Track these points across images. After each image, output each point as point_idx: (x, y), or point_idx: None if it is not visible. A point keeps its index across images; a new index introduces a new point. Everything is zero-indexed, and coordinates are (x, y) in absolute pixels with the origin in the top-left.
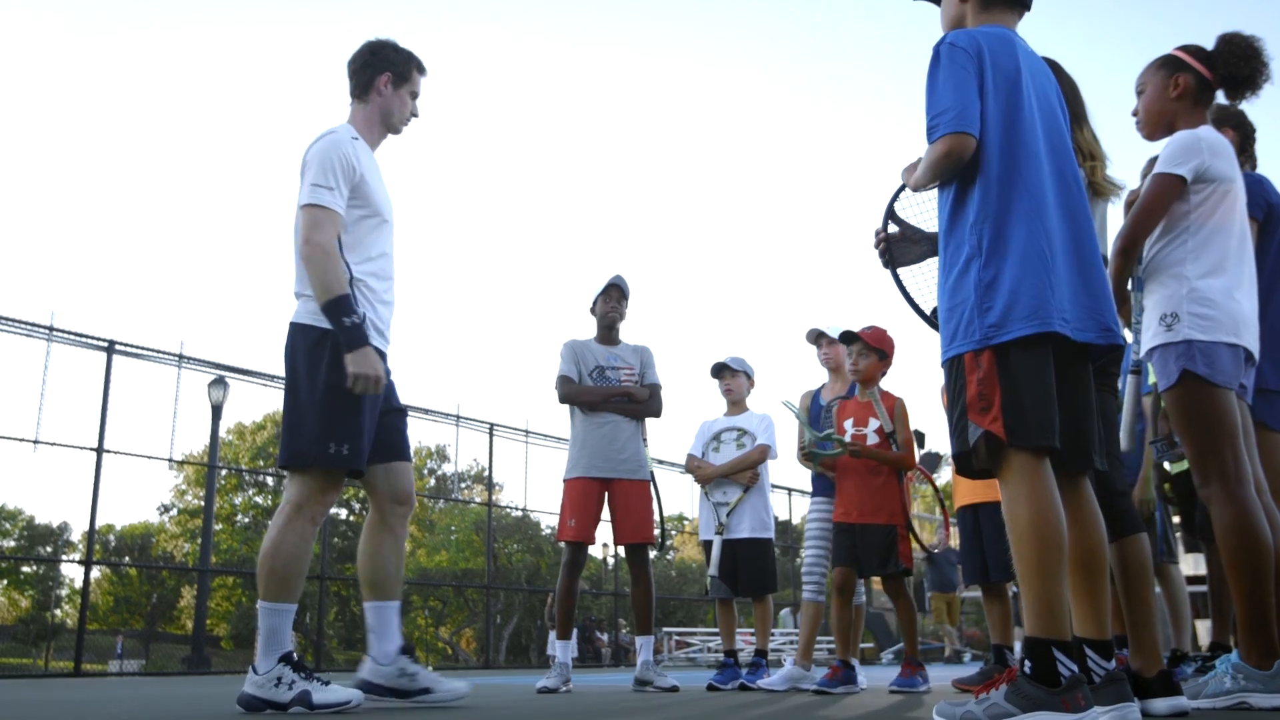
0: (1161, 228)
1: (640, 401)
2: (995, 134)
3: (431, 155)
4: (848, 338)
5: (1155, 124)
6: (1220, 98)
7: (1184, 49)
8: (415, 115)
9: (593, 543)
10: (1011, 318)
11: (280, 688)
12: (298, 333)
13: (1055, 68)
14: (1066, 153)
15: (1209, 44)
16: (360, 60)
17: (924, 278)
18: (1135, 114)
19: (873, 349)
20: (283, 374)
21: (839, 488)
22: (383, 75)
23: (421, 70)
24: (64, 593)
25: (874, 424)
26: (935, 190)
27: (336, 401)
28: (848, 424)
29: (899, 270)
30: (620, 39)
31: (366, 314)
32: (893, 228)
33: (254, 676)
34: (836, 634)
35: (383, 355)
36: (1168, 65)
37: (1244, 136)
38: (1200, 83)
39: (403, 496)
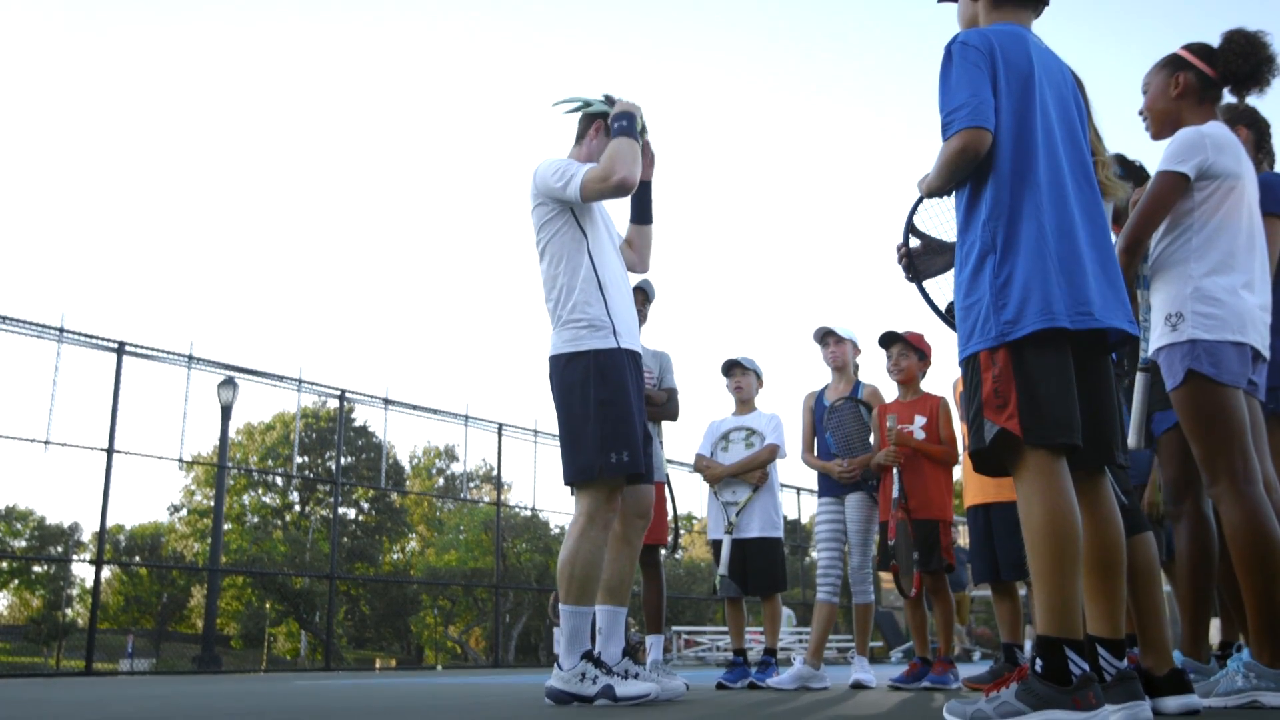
0: (1166, 225)
1: (658, 405)
2: (1007, 131)
3: (440, 152)
4: (889, 339)
5: (1160, 123)
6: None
7: (1187, 47)
8: None
9: None
10: (1026, 313)
11: (585, 682)
12: (558, 363)
13: None
14: (1082, 148)
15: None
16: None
17: (950, 289)
18: (1141, 113)
19: (913, 349)
20: (291, 376)
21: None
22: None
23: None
24: (75, 592)
25: (920, 421)
26: (954, 199)
27: (609, 414)
28: (890, 420)
29: (924, 283)
30: (625, 37)
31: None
32: (914, 242)
33: (559, 672)
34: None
35: (639, 357)
36: (1169, 64)
37: (1259, 134)
38: (1203, 80)
39: (643, 511)
